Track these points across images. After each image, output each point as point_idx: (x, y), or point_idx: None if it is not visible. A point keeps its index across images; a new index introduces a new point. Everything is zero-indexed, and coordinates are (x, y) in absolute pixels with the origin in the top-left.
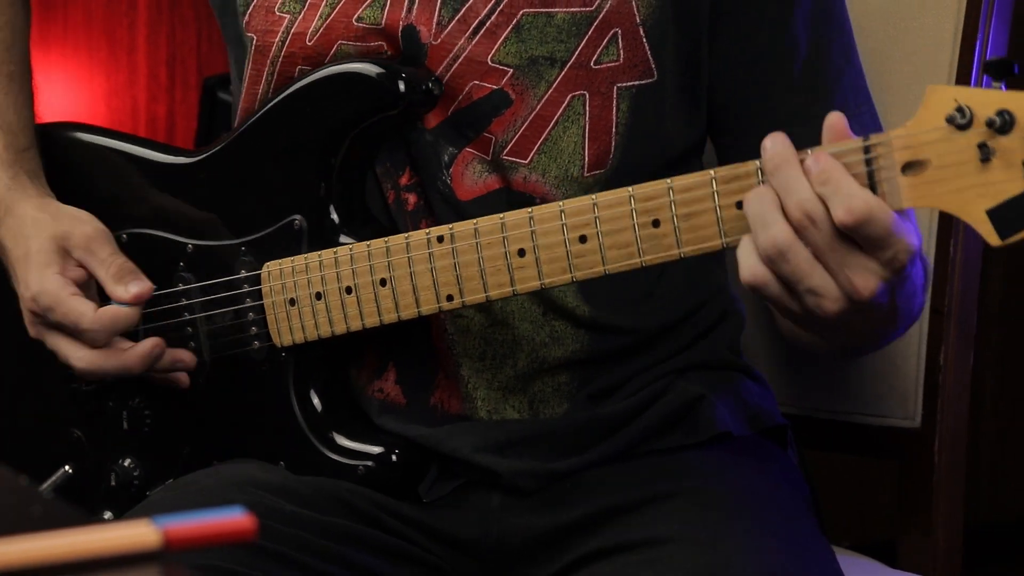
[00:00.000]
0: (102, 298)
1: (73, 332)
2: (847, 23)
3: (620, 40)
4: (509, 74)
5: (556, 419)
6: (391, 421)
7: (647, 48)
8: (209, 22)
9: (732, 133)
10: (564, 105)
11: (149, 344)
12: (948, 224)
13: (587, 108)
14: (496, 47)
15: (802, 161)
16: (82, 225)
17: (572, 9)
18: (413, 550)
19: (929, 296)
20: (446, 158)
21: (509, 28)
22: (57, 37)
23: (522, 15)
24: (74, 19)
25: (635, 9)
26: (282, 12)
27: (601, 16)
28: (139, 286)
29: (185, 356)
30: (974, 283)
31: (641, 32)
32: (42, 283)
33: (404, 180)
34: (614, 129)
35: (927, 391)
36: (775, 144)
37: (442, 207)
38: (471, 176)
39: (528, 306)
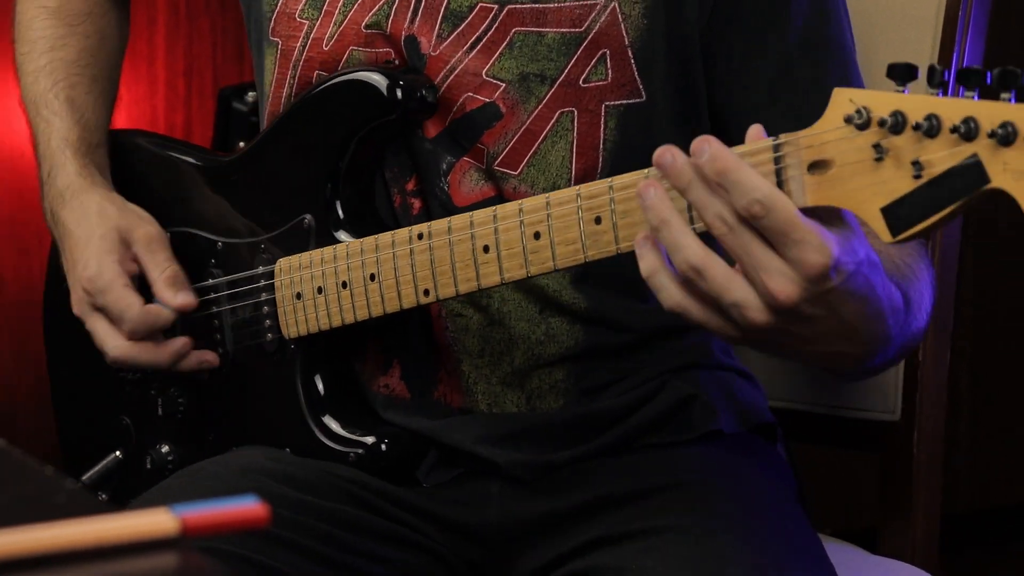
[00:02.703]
0: (146, 296)
1: (116, 319)
2: (847, 42)
3: (608, 60)
4: (501, 88)
5: (553, 413)
6: (396, 415)
7: (635, 69)
8: (224, 35)
9: None
10: (552, 121)
11: (179, 343)
12: None
13: (575, 124)
14: (491, 62)
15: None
16: (145, 225)
17: (562, 30)
18: (415, 536)
19: None
20: (444, 166)
21: (503, 45)
22: None
23: (514, 33)
24: None
25: (624, 31)
26: (302, 19)
27: (590, 37)
28: (186, 297)
29: (210, 356)
30: (950, 283)
31: (629, 53)
32: (100, 267)
33: (411, 186)
34: (601, 145)
35: (906, 386)
36: (663, 154)
37: (440, 213)
38: (468, 184)
39: (525, 305)
